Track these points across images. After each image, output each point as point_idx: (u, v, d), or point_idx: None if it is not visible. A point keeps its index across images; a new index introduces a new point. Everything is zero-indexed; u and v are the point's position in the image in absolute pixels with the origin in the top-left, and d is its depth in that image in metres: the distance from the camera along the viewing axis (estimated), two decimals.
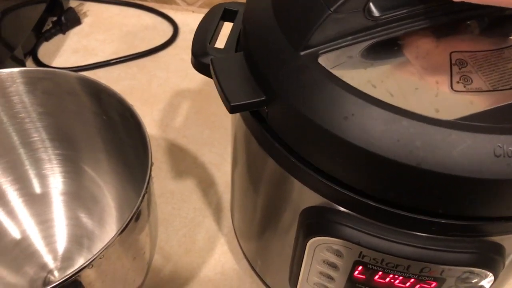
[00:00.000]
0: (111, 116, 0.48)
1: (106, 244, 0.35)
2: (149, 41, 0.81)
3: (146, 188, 0.39)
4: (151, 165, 0.41)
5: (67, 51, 0.79)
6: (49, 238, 0.55)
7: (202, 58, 0.41)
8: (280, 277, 0.46)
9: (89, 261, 0.34)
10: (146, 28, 0.84)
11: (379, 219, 0.33)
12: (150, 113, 0.71)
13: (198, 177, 0.64)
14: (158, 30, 0.83)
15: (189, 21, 0.84)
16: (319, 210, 0.35)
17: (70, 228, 0.54)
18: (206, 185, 0.63)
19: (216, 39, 0.44)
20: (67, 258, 0.53)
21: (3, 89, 0.47)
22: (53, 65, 0.76)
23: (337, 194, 0.33)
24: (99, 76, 0.75)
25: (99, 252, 0.35)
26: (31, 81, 0.48)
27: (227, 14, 0.46)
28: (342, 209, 0.34)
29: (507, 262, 0.35)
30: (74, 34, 0.82)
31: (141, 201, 0.37)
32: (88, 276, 0.36)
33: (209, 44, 0.42)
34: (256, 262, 0.52)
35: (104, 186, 0.54)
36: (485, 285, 0.34)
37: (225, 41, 0.42)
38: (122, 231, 0.36)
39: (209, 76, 0.42)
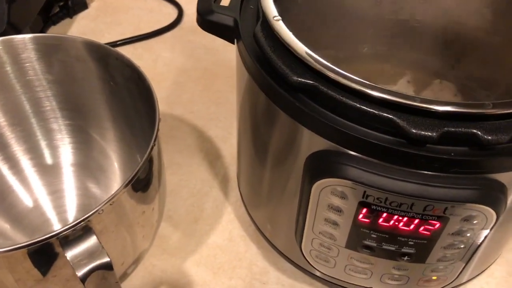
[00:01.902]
0: (118, 82, 0.49)
1: (117, 190, 0.36)
2: (155, 23, 0.82)
3: (155, 137, 0.39)
4: (159, 116, 0.41)
5: (74, 34, 0.80)
6: (59, 208, 0.55)
7: (208, 15, 0.42)
8: (289, 237, 0.46)
9: (101, 205, 0.35)
10: (152, 12, 0.85)
11: (381, 158, 0.34)
12: (157, 91, 0.70)
13: (204, 151, 0.65)
14: (164, 13, 0.84)
15: (194, 4, 0.85)
16: (323, 154, 0.36)
17: (80, 198, 0.55)
18: (213, 158, 0.64)
19: None
20: None
21: (16, 56, 0.48)
22: None
23: (341, 135, 0.34)
24: None
25: (110, 198, 0.36)
26: (42, 48, 0.49)
27: None
28: (345, 150, 0.35)
29: (509, 202, 0.35)
30: (81, 18, 0.83)
31: (152, 148, 0.38)
32: (99, 223, 0.37)
33: (215, 2, 0.43)
34: (265, 227, 0.52)
35: (112, 154, 0.55)
36: (487, 226, 0.35)
37: None
38: (132, 179, 0.37)
39: (215, 34, 0.43)
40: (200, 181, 0.61)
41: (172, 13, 0.84)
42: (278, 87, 0.36)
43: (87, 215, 0.35)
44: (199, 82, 0.73)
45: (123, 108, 0.51)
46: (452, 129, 0.32)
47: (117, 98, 0.50)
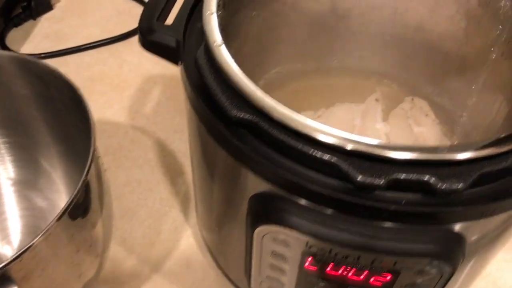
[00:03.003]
0: (58, 99, 0.45)
1: (35, 239, 0.32)
2: (123, 26, 0.78)
3: (84, 181, 0.36)
4: (94, 152, 0.38)
5: (37, 37, 0.76)
6: (4, 232, 0.52)
7: (149, 35, 0.38)
8: (240, 270, 0.43)
9: (15, 255, 0.32)
10: (120, 13, 0.81)
11: (326, 205, 0.30)
12: (120, 100, 0.68)
13: (166, 166, 0.61)
14: (133, 14, 0.80)
15: None
16: (264, 197, 0.33)
17: (25, 219, 0.52)
18: (175, 174, 0.60)
19: (169, 12, 0.42)
20: None
21: None
22: (22, 51, 0.74)
23: (281, 177, 0.31)
24: (69, 62, 0.73)
25: (26, 247, 0.32)
26: None
27: None
28: (287, 194, 0.31)
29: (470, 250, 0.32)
30: (45, 19, 0.79)
31: (75, 196, 0.34)
32: (20, 271, 0.34)
33: (158, 19, 0.39)
34: (218, 256, 0.49)
35: (55, 173, 0.52)
36: (443, 280, 0.32)
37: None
38: (62, 214, 0.34)
39: (158, 55, 0.40)
40: (159, 199, 0.58)
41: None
42: (217, 121, 0.33)
43: (2, 264, 0.31)
44: (165, 90, 0.69)
45: (64, 126, 0.47)
46: (402, 176, 0.29)
47: (57, 115, 0.47)
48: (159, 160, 0.62)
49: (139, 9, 0.81)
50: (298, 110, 0.52)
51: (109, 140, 0.64)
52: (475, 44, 0.50)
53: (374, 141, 0.29)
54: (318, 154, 0.30)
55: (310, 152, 0.30)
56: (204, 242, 0.53)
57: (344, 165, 0.29)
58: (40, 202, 0.52)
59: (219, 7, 0.38)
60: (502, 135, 0.30)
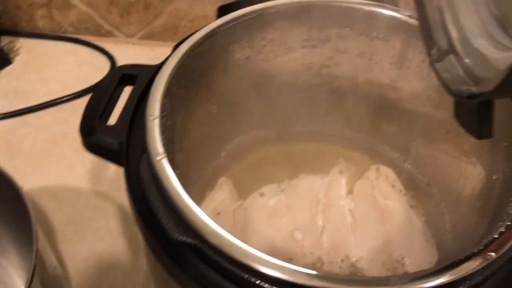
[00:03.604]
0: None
1: None
2: (86, 78, 0.75)
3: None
4: (34, 267, 0.35)
5: None
6: None
7: (90, 137, 0.36)
8: None
9: None
10: (83, 64, 0.78)
11: None
12: (82, 164, 0.66)
13: (129, 236, 0.59)
14: (95, 66, 0.78)
15: (129, 54, 0.79)
16: None
17: None
18: (137, 246, 0.58)
19: (113, 108, 0.40)
20: None
21: None
22: None
23: None
24: (29, 122, 0.70)
25: None
26: None
27: (127, 78, 0.41)
28: None
29: None
30: (4, 74, 0.76)
31: None
32: None
33: (100, 119, 0.37)
34: None
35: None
36: None
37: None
38: None
39: (101, 157, 0.38)
40: (121, 275, 0.56)
41: (105, 65, 0.78)
42: (158, 243, 0.31)
43: None
44: None
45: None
46: None
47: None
48: (122, 230, 0.60)
49: (102, 59, 0.79)
50: (261, 183, 0.51)
51: (70, 210, 0.61)
52: (439, 111, 0.48)
53: (317, 273, 0.27)
54: (265, 286, 0.28)
55: (256, 284, 0.28)
56: None
57: None
58: None
59: (164, 106, 0.36)
60: (459, 258, 0.29)
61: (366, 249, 0.44)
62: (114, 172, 0.65)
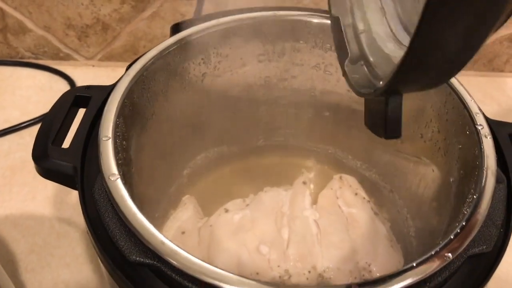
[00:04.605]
0: None
1: None
2: (45, 103, 0.74)
3: None
4: None
5: None
6: None
7: (42, 161, 0.36)
8: None
9: None
10: (42, 89, 0.77)
11: None
12: (44, 190, 0.64)
13: (95, 261, 0.57)
14: (55, 90, 0.77)
15: (89, 77, 0.78)
16: None
17: None
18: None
19: (67, 131, 0.39)
20: None
21: None
22: None
23: None
24: None
25: None
26: None
27: (80, 100, 0.40)
28: None
29: None
30: None
31: None
32: None
33: (53, 143, 0.37)
34: None
35: None
36: None
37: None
38: None
39: (55, 181, 0.37)
40: None
41: (64, 89, 0.76)
42: (115, 265, 0.30)
43: None
44: None
45: None
46: None
47: None
48: (88, 255, 0.58)
49: (61, 83, 0.77)
50: (226, 199, 0.50)
51: (33, 238, 0.59)
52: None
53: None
54: None
55: None
56: None
57: None
58: None
59: (118, 126, 0.36)
60: (418, 261, 0.29)
61: (333, 259, 0.44)
62: (77, 198, 0.63)
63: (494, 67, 0.80)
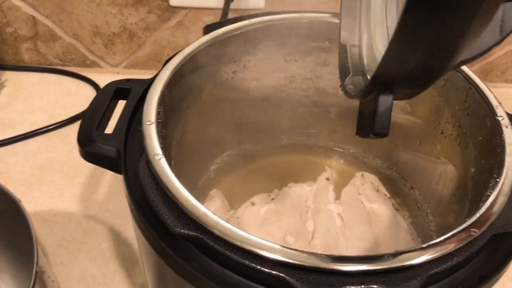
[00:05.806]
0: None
1: None
2: (71, 108, 0.77)
3: None
4: (36, 275, 0.36)
5: None
6: None
7: (88, 146, 0.38)
8: None
9: None
10: (68, 95, 0.80)
11: None
12: (71, 188, 0.67)
13: (121, 256, 0.59)
14: (81, 95, 0.79)
15: None
16: None
17: None
18: (130, 264, 0.59)
19: (109, 120, 0.41)
20: None
21: None
22: None
23: None
24: (17, 150, 0.71)
25: None
26: None
27: (121, 92, 0.42)
28: None
29: None
30: None
31: None
32: None
33: (97, 129, 0.39)
34: None
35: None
36: None
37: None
38: None
39: (101, 165, 0.39)
40: None
41: (90, 94, 0.79)
42: (160, 239, 0.32)
43: None
44: (116, 174, 0.68)
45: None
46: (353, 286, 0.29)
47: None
48: (114, 250, 0.60)
49: (87, 89, 0.80)
50: (251, 194, 0.52)
51: (62, 233, 0.61)
52: (419, 116, 0.51)
53: (318, 255, 0.29)
54: (265, 269, 0.29)
55: (257, 268, 0.29)
56: None
57: (292, 280, 0.29)
58: None
59: (159, 114, 0.38)
60: (445, 236, 0.31)
61: (356, 250, 0.46)
62: (103, 196, 0.66)
63: (506, 78, 0.82)
